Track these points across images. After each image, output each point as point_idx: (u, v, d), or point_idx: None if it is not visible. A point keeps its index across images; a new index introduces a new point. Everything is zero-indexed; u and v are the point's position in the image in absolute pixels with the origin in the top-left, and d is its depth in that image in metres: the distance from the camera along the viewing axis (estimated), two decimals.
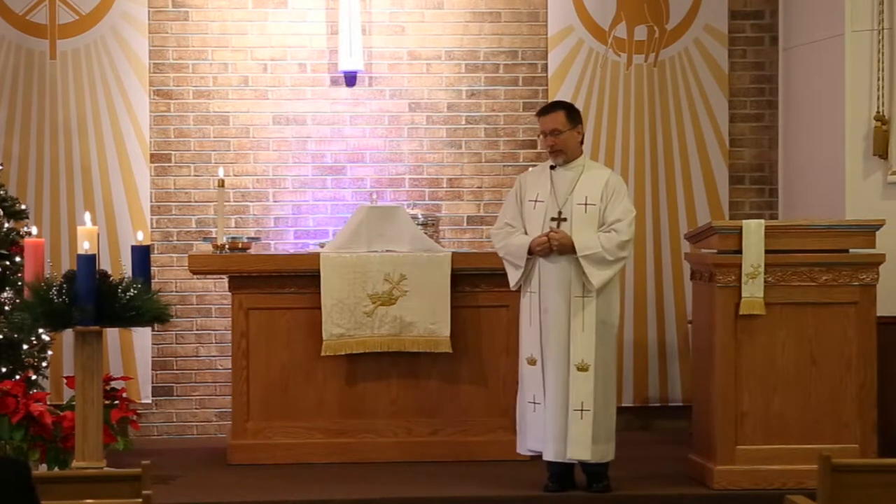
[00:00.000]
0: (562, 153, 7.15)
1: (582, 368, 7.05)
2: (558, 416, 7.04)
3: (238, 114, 9.03)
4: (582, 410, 7.03)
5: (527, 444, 7.20)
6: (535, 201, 7.15)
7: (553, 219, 7.08)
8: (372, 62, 9.06)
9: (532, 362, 7.14)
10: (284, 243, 8.99)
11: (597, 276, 7.00)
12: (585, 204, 7.08)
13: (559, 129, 7.12)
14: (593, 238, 7.01)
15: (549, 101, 9.01)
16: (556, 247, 7.02)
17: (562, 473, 7.18)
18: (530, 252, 7.07)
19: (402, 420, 8.06)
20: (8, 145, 8.79)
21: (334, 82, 9.06)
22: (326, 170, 9.07)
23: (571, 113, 7.21)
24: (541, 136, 7.30)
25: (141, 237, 7.29)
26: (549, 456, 7.09)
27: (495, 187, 9.12)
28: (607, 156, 9.05)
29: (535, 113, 7.52)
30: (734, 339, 7.19)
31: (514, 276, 7.18)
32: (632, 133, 9.10)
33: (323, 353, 7.92)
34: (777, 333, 7.21)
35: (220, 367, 8.95)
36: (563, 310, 7.05)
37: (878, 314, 7.29)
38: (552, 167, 7.19)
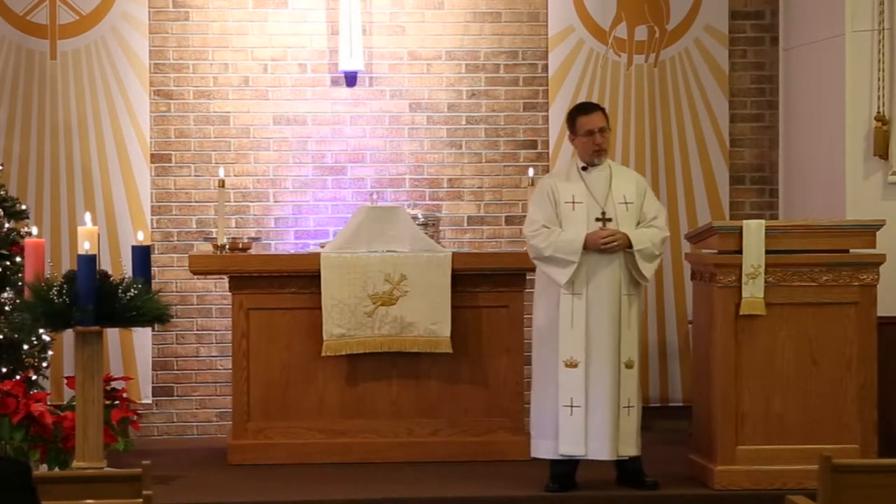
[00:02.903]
0: (605, 152, 7.23)
1: (629, 366, 7.14)
2: (608, 415, 7.06)
3: (238, 114, 9.03)
4: (629, 407, 7.13)
5: (559, 448, 7.13)
6: (573, 202, 7.15)
7: (598, 219, 7.12)
8: (372, 62, 9.06)
9: (573, 364, 7.11)
10: (285, 243, 8.99)
11: (647, 270, 7.13)
12: (626, 203, 7.15)
13: (606, 128, 7.22)
14: (641, 233, 7.11)
15: (545, 101, 9.06)
16: (619, 243, 7.04)
17: (565, 474, 7.18)
18: (585, 247, 7.06)
19: (403, 420, 8.06)
20: (8, 145, 8.79)
21: (335, 82, 9.06)
22: (327, 170, 9.07)
23: (606, 113, 7.33)
24: (577, 138, 7.22)
25: (141, 237, 7.30)
26: (599, 455, 7.09)
27: (495, 187, 9.12)
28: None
29: (569, 111, 7.42)
30: (734, 339, 7.19)
31: (565, 273, 7.07)
32: (632, 133, 9.10)
33: (323, 354, 7.92)
34: (777, 334, 7.21)
35: (220, 368, 8.95)
36: (614, 309, 7.10)
37: (878, 314, 7.29)
38: (583, 168, 7.21)
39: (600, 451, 7.08)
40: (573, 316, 7.11)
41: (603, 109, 7.32)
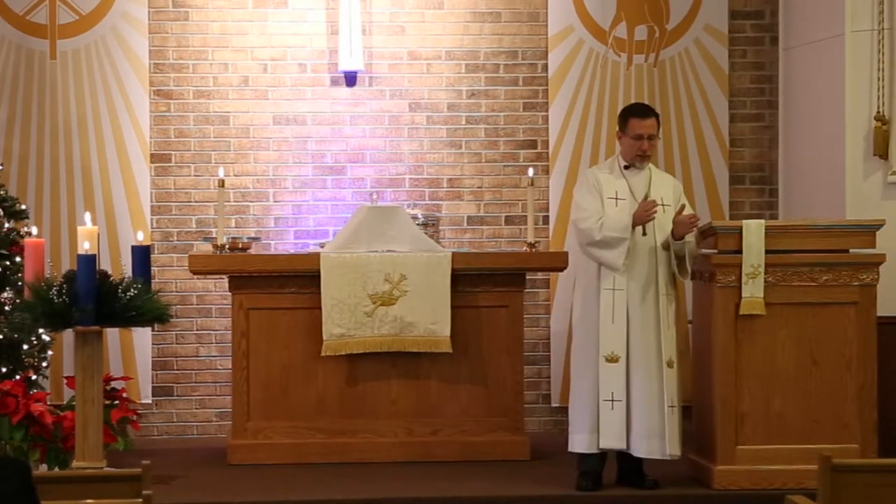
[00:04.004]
0: (648, 159, 7.28)
1: (670, 365, 7.17)
2: (651, 413, 7.09)
3: (238, 114, 9.03)
4: (672, 407, 7.16)
5: (601, 441, 7.15)
6: (616, 199, 7.22)
7: None
8: (372, 62, 9.06)
9: (613, 359, 7.15)
10: (285, 243, 8.99)
11: (690, 268, 7.22)
12: (662, 205, 7.21)
13: (655, 135, 7.27)
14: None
15: (545, 101, 9.05)
16: (687, 230, 7.08)
17: (596, 472, 7.21)
18: (635, 223, 7.10)
19: (403, 420, 8.06)
20: (8, 145, 8.79)
21: (334, 82, 9.06)
22: (326, 170, 9.07)
23: (659, 119, 7.35)
24: (624, 137, 7.27)
25: (141, 237, 7.29)
26: (640, 453, 7.13)
27: (495, 187, 9.12)
28: (608, 156, 9.03)
29: (624, 108, 7.46)
30: (734, 339, 7.19)
31: (620, 254, 7.10)
32: None
33: (323, 353, 7.92)
34: (777, 333, 7.21)
35: (220, 367, 8.94)
36: (652, 308, 7.15)
37: (878, 314, 7.29)
38: (626, 167, 7.24)
39: (641, 448, 7.11)
40: (614, 311, 7.15)
41: (657, 116, 7.33)
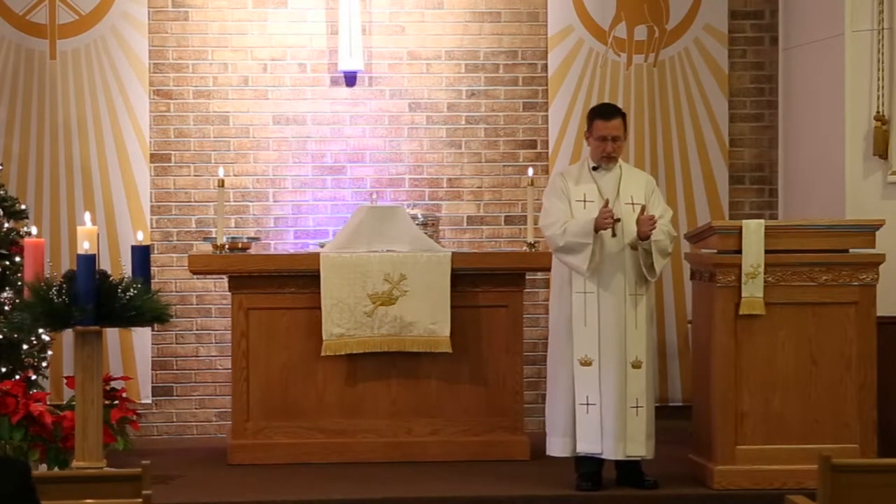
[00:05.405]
0: (615, 160, 7.24)
1: (636, 366, 7.15)
2: (616, 414, 7.09)
3: (238, 114, 9.03)
4: (637, 407, 7.13)
5: (578, 446, 7.15)
6: (584, 201, 7.20)
7: None
8: (372, 62, 9.06)
9: (587, 363, 7.14)
10: (284, 243, 8.99)
11: (660, 265, 7.16)
12: (632, 203, 7.17)
13: (620, 137, 7.23)
14: (656, 231, 7.10)
15: (545, 101, 9.05)
16: (650, 227, 7.02)
17: (595, 473, 7.20)
18: (596, 228, 7.06)
19: (402, 420, 8.06)
20: (8, 145, 8.79)
21: (334, 82, 9.06)
22: (326, 170, 9.07)
23: (625, 119, 7.31)
24: (591, 138, 7.27)
25: (141, 237, 7.30)
26: (608, 455, 7.14)
27: (495, 187, 9.13)
28: None
29: (590, 109, 7.43)
30: (734, 339, 7.19)
31: (583, 258, 7.06)
32: (632, 133, 9.08)
33: (323, 353, 7.92)
34: (777, 333, 7.21)
35: (219, 367, 8.94)
36: (619, 308, 7.13)
37: (878, 314, 7.29)
38: (594, 168, 7.23)
39: (608, 449, 7.12)
40: (586, 314, 7.15)
41: (623, 116, 7.29)
